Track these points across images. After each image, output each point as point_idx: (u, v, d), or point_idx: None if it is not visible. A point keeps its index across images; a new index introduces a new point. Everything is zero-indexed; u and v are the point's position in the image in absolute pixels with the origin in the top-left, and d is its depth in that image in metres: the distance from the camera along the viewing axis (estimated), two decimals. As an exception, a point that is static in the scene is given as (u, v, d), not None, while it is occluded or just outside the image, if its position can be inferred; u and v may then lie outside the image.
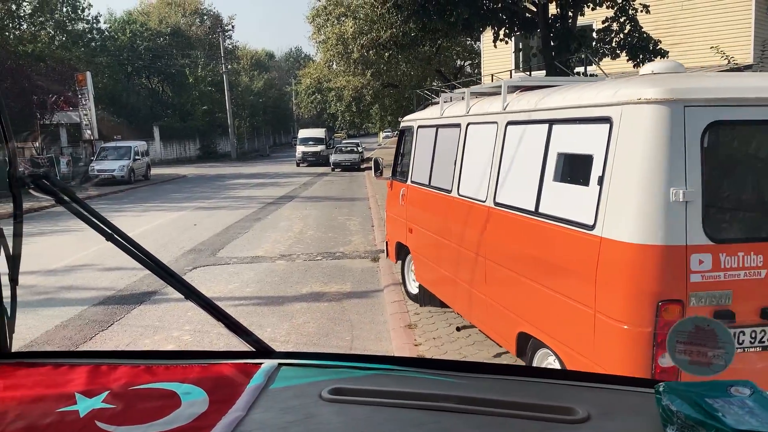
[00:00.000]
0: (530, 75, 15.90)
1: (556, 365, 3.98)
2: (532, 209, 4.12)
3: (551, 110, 4.11)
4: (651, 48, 14.19)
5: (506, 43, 16.22)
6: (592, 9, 14.77)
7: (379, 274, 8.92)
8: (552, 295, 3.86)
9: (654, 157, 3.14)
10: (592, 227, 3.45)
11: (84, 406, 1.31)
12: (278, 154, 57.50)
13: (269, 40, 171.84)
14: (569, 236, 3.68)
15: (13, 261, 1.45)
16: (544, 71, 16.11)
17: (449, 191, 5.68)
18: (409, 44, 14.52)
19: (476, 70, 37.69)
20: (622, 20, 14.61)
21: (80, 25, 45.67)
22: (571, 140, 3.88)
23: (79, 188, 24.74)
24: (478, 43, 39.83)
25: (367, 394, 1.31)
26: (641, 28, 14.50)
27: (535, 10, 15.81)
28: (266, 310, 7.52)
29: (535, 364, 4.40)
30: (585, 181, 3.58)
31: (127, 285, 8.70)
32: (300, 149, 37.63)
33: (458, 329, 6.28)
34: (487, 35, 23.96)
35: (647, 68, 4.10)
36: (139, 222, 15.12)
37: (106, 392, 1.36)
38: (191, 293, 1.47)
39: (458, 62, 40.48)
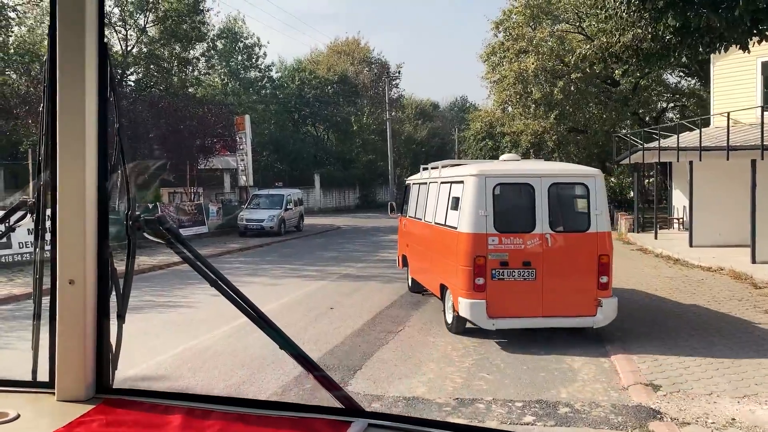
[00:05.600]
0: None
1: (452, 297, 8.54)
2: (443, 223, 9.20)
3: (451, 177, 9.43)
4: None
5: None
6: None
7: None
8: (447, 262, 8.78)
9: (474, 198, 8.02)
10: (456, 228, 8.35)
11: None
12: (440, 205, 53.82)
13: (434, 90, 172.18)
14: (451, 233, 8.59)
15: (123, 299, 1.53)
16: None
17: (422, 219, 10.92)
18: (659, 52, 9.64)
19: (685, 113, 31.07)
20: None
21: (252, 74, 46.25)
22: (456, 191, 8.80)
23: (223, 241, 22.45)
24: (686, 80, 33.27)
25: None
26: None
27: None
28: None
29: (445, 299, 9.08)
30: (457, 208, 8.51)
31: None
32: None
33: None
34: (722, 62, 18.22)
35: (503, 157, 10.68)
36: (268, 295, 11.60)
37: None
38: (287, 344, 1.48)
39: (659, 104, 34.07)
